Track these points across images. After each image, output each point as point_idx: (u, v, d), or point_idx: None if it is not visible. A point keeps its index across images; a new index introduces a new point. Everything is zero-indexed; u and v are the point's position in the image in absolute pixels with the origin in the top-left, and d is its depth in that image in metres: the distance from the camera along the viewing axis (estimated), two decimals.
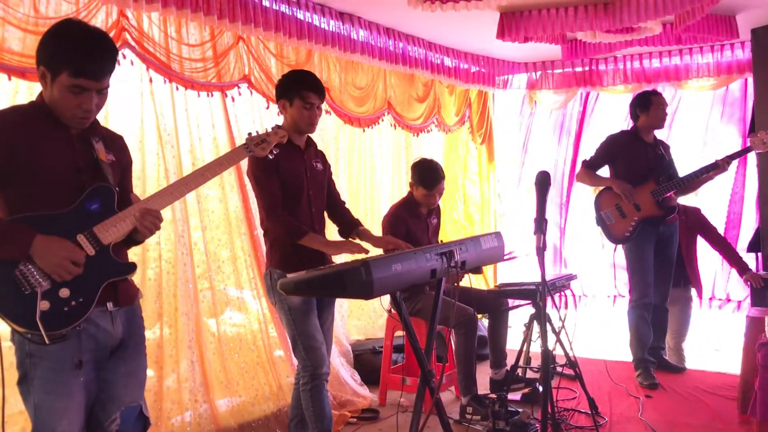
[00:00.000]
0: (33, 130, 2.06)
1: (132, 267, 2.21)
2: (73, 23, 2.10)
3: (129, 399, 2.27)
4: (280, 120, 3.44)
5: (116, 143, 2.34)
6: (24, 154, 2.02)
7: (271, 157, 2.69)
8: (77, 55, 2.00)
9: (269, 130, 2.69)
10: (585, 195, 6.68)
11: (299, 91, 3.21)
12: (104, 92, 2.11)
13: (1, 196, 2.07)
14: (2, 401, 2.06)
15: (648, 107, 4.75)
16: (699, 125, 6.73)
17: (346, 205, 3.59)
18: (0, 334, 2.04)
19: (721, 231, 6.00)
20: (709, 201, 6.42)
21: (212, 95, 4.18)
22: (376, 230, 4.54)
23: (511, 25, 5.05)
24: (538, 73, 7.16)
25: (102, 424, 2.21)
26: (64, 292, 2.00)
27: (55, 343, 2.00)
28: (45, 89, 2.08)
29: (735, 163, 5.02)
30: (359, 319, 5.81)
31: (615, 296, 7.10)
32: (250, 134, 2.63)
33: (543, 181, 3.29)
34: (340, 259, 4.02)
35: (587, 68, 6.95)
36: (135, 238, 2.21)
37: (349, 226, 3.46)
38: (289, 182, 3.21)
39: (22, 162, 2.02)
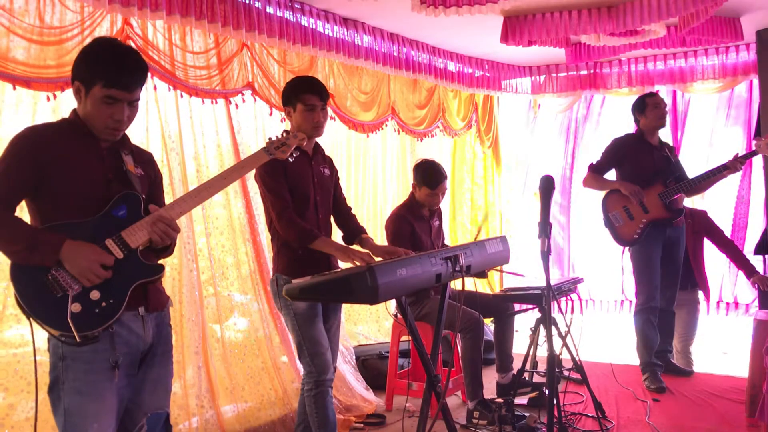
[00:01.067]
0: (64, 144, 2.15)
1: (160, 268, 2.26)
2: (106, 40, 2.26)
3: (156, 405, 2.31)
4: (283, 126, 3.45)
5: (145, 158, 2.44)
6: (55, 167, 2.11)
7: (291, 159, 2.72)
8: (109, 67, 2.12)
9: (288, 133, 2.72)
10: (591, 198, 6.66)
11: (299, 95, 3.23)
12: (135, 105, 2.22)
13: (33, 207, 2.17)
14: (35, 406, 2.14)
15: (644, 109, 4.76)
16: (705, 127, 6.72)
17: (352, 211, 3.59)
18: (38, 348, 2.09)
19: (727, 233, 5.99)
20: (716, 204, 6.41)
21: (216, 102, 4.20)
22: (381, 235, 4.55)
23: (514, 29, 5.05)
24: (542, 76, 7.15)
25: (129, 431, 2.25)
26: (95, 294, 2.07)
27: (87, 344, 2.05)
28: (79, 104, 2.18)
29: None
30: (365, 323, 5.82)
31: (622, 300, 7.08)
32: (270, 138, 2.67)
33: (547, 186, 3.29)
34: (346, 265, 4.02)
35: (591, 71, 6.95)
36: (153, 247, 2.25)
37: (353, 232, 3.47)
38: (296, 188, 3.22)
39: (54, 174, 2.11)
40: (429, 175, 4.38)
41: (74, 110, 2.23)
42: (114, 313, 2.09)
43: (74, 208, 2.13)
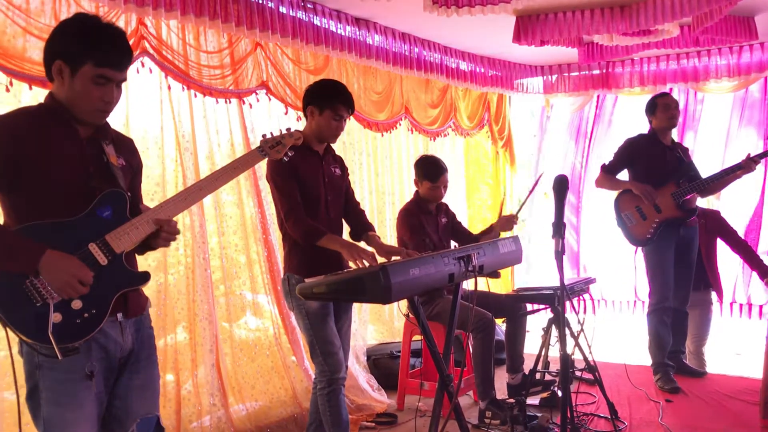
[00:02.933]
0: (42, 133, 1.99)
1: (146, 276, 2.14)
2: (89, 17, 2.07)
3: (144, 410, 2.23)
4: (298, 125, 3.45)
5: (126, 146, 2.28)
6: (32, 158, 1.96)
7: (286, 159, 2.64)
8: (101, 45, 1.98)
9: (283, 131, 2.61)
10: (603, 199, 6.63)
11: (333, 103, 3.24)
12: (120, 87, 2.09)
13: (8, 202, 2.02)
14: (18, 410, 2.06)
15: (654, 111, 4.77)
16: (720, 128, 6.67)
17: (360, 207, 3.60)
18: (13, 344, 2.02)
19: (742, 233, 5.96)
20: (731, 204, 6.38)
21: (230, 102, 4.22)
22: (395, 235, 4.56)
23: (527, 28, 5.04)
24: (555, 76, 7.13)
25: None
26: (77, 304, 1.95)
27: (66, 356, 1.94)
28: (62, 85, 2.01)
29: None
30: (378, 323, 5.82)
31: (634, 301, 7.04)
32: (264, 136, 2.56)
33: (561, 185, 3.29)
34: None
35: (604, 71, 6.92)
36: (151, 244, 2.16)
37: (361, 229, 3.47)
38: (307, 188, 3.24)
39: (31, 166, 1.96)
40: (429, 169, 4.40)
41: (51, 94, 2.06)
42: (96, 324, 1.98)
43: (52, 203, 1.98)
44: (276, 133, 2.58)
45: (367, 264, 2.99)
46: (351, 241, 3.32)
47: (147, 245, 2.19)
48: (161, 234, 2.11)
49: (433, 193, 4.42)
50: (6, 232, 1.95)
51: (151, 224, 2.09)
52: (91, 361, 2.04)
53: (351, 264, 3.22)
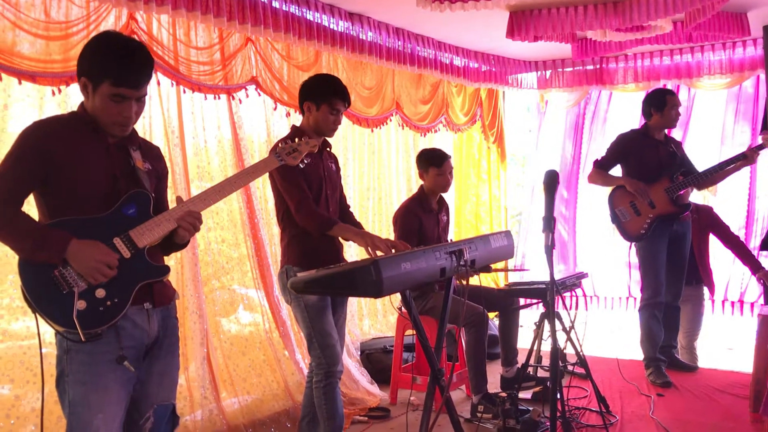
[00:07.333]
0: (73, 139, 2.14)
1: (165, 270, 2.27)
2: (112, 35, 2.20)
3: (162, 397, 2.32)
4: (286, 121, 3.44)
5: (153, 152, 2.42)
6: (63, 162, 2.10)
7: (302, 166, 2.72)
8: (118, 66, 2.10)
9: (300, 139, 2.74)
10: (597, 194, 6.65)
11: (329, 97, 3.25)
12: (142, 100, 2.21)
13: (40, 202, 2.16)
14: (42, 398, 2.15)
15: (662, 107, 4.72)
16: (715, 123, 6.67)
17: (351, 209, 3.63)
18: (44, 340, 2.12)
19: (742, 229, 5.98)
20: (726, 199, 6.41)
21: (219, 98, 4.21)
22: (386, 232, 4.57)
23: (520, 24, 5.04)
24: (549, 71, 7.13)
25: (136, 423, 2.27)
26: (100, 293, 2.08)
27: (91, 340, 2.07)
28: (87, 99, 2.17)
29: None
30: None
31: (627, 297, 7.06)
32: (280, 143, 2.67)
33: (551, 181, 3.31)
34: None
35: (598, 66, 6.93)
36: (175, 240, 2.29)
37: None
38: (308, 182, 3.26)
39: (62, 169, 2.10)
40: (433, 156, 4.44)
41: (82, 104, 2.21)
42: (118, 312, 2.11)
43: (81, 203, 2.12)
44: (265, 129, 2.64)
45: (380, 253, 3.01)
46: (363, 231, 3.32)
47: (173, 244, 2.32)
48: (185, 221, 2.23)
49: (440, 181, 4.43)
50: (36, 224, 2.11)
51: (172, 222, 2.23)
52: (120, 346, 2.15)
53: (350, 257, 3.23)
